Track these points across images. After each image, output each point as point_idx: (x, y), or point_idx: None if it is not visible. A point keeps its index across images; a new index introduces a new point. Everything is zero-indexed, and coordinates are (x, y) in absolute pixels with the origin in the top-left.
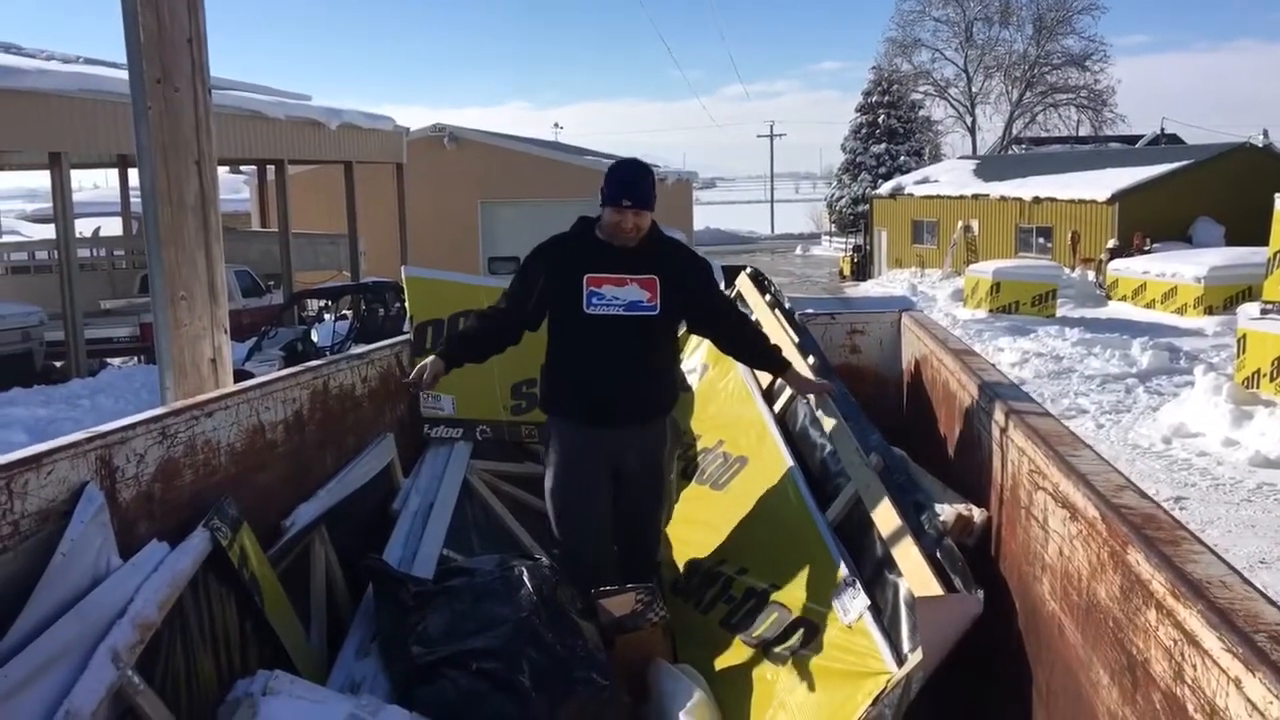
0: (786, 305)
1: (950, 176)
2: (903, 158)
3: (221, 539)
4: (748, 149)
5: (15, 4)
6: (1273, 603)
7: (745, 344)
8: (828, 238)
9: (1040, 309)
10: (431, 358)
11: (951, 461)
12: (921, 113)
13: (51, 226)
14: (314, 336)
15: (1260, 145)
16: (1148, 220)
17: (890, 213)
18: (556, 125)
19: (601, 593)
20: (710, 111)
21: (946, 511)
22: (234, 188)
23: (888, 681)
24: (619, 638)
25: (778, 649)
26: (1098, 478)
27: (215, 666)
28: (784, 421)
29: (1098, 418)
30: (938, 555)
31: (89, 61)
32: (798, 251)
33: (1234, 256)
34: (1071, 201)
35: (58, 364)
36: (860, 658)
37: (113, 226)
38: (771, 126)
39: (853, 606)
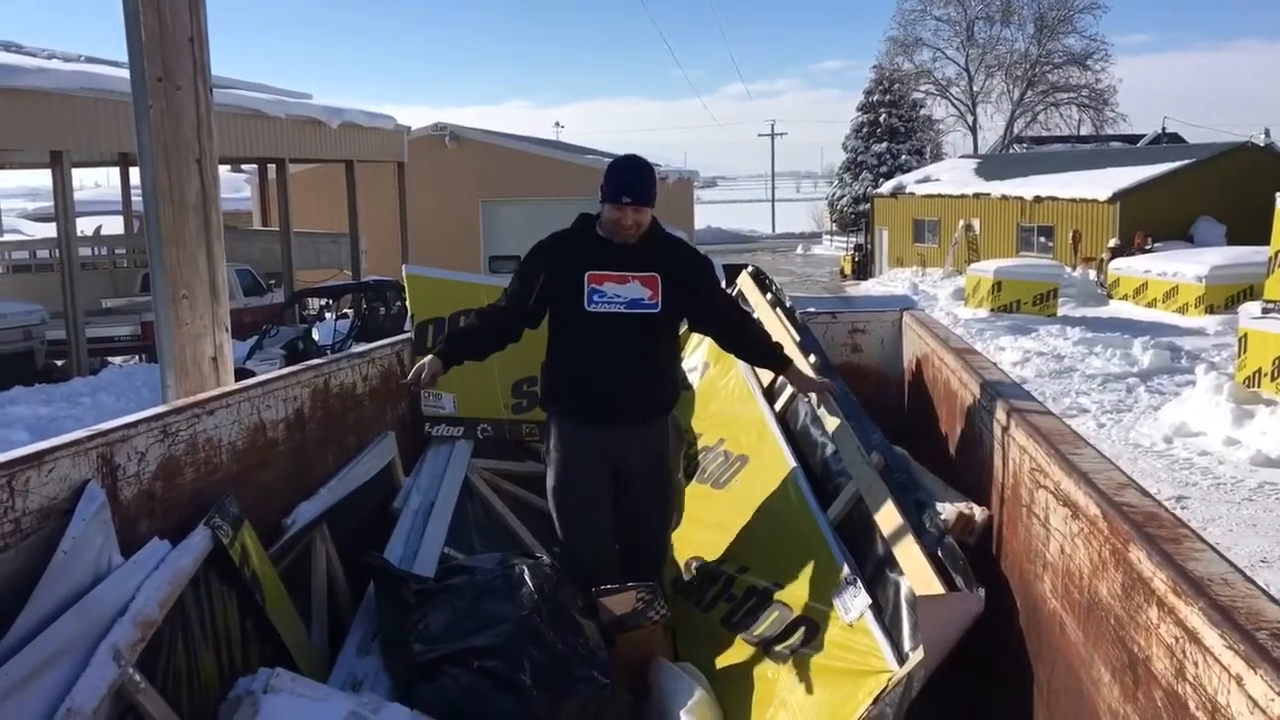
0: (788, 304)
1: (951, 175)
2: (904, 157)
3: (223, 537)
4: (749, 148)
5: (17, 3)
6: (1274, 600)
7: (747, 342)
8: (829, 237)
9: (1041, 308)
10: (430, 357)
11: (953, 460)
12: (923, 112)
13: (53, 225)
14: (315, 335)
15: (1261, 144)
16: (1149, 219)
17: (891, 212)
18: (558, 124)
19: (602, 591)
20: (711, 110)
21: (948, 510)
22: (235, 186)
23: (889, 680)
24: (620, 636)
25: (779, 647)
26: (1099, 476)
27: (216, 664)
28: (785, 420)
29: (1099, 417)
30: (939, 554)
31: (90, 60)
32: (799, 251)
33: (1235, 256)
34: (1073, 201)
35: (59, 362)
36: (861, 656)
37: (114, 225)
38: (773, 125)
39: (854, 605)
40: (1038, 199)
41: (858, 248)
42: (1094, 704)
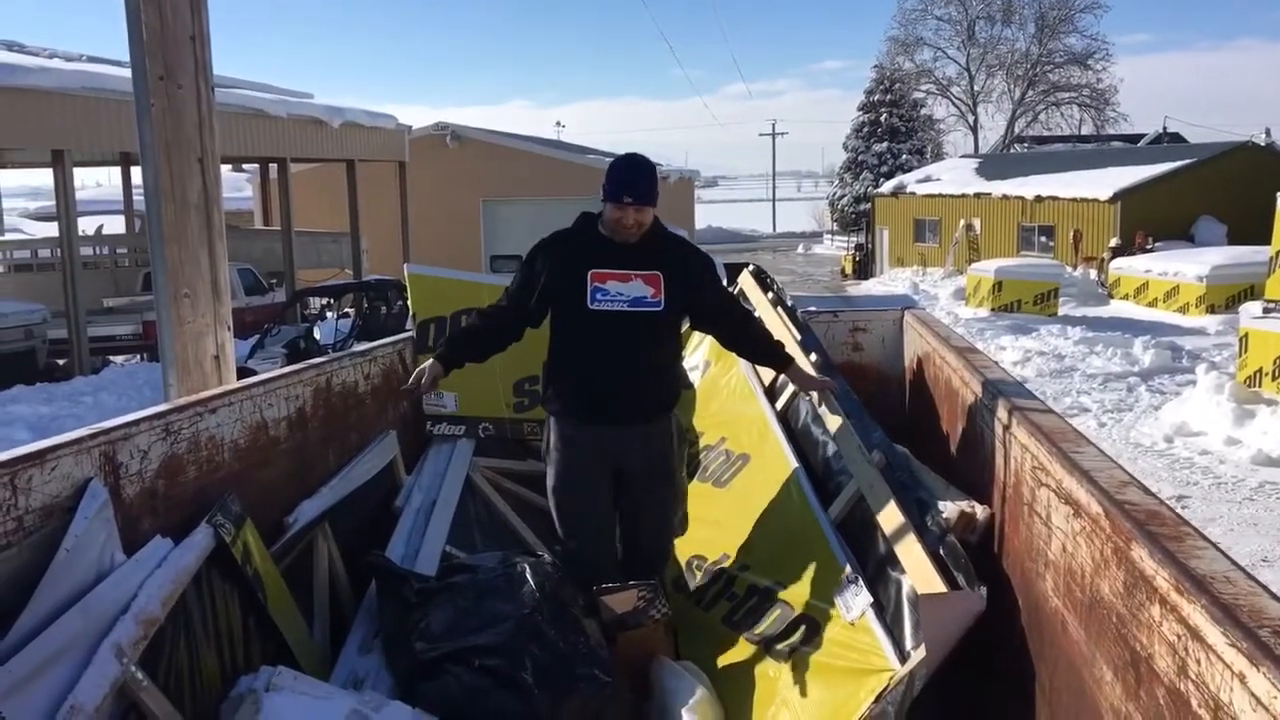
0: (789, 303)
1: (952, 175)
2: (905, 156)
3: (225, 535)
4: (750, 148)
5: (18, 2)
6: (1276, 598)
7: (748, 340)
8: (829, 236)
9: (1042, 308)
10: (430, 361)
11: (954, 459)
12: (923, 111)
13: (54, 224)
14: (316, 334)
15: (1262, 144)
16: (1150, 219)
17: (892, 211)
18: (559, 124)
19: (603, 590)
20: (712, 110)
21: (949, 508)
22: (237, 186)
23: (890, 679)
24: (621, 635)
25: (780, 646)
26: (1101, 474)
27: (218, 662)
28: (786, 419)
29: (1100, 416)
30: (940, 552)
31: (92, 59)
32: (799, 250)
33: (1236, 255)
34: (1074, 200)
35: (60, 362)
36: (863, 655)
37: (115, 224)
38: (773, 125)
39: (855, 604)
40: (1038, 199)
41: (858, 247)
42: (1096, 702)
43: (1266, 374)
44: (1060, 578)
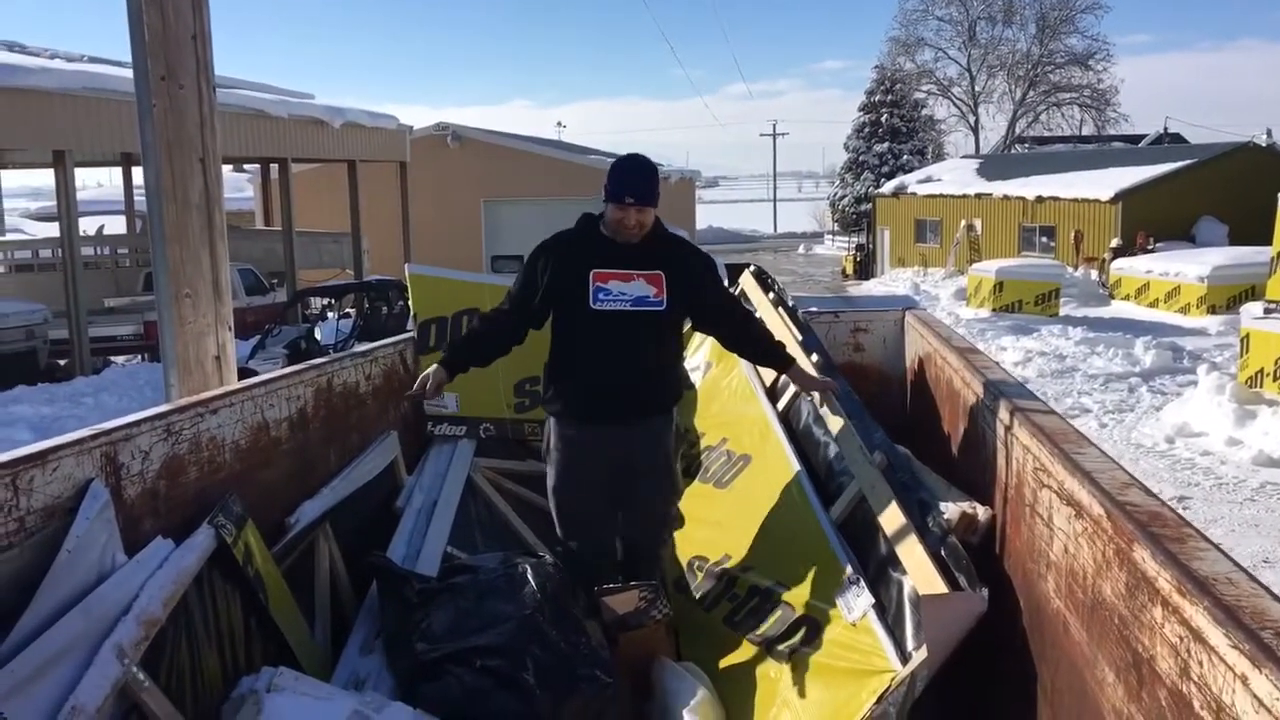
0: (790, 303)
1: (953, 175)
2: (905, 157)
3: (226, 536)
4: (750, 148)
5: (19, 2)
6: (1279, 599)
7: (749, 341)
8: (830, 237)
9: (1043, 308)
10: (434, 367)
11: (955, 459)
12: (924, 112)
13: (55, 224)
14: (317, 334)
15: (1263, 144)
16: (1151, 219)
17: (893, 212)
18: (559, 124)
19: (605, 590)
20: (713, 110)
21: (951, 509)
22: (238, 186)
23: (892, 680)
24: (622, 635)
25: (781, 647)
26: (1103, 475)
27: (220, 663)
28: (787, 420)
29: (1101, 417)
30: (942, 553)
31: (93, 60)
32: (800, 250)
33: (1237, 256)
34: (1075, 201)
35: (62, 362)
36: (865, 656)
37: (116, 224)
38: (774, 125)
39: (857, 604)
40: (1039, 199)
41: (859, 248)
42: (1098, 704)
43: (1268, 374)
44: (1062, 579)
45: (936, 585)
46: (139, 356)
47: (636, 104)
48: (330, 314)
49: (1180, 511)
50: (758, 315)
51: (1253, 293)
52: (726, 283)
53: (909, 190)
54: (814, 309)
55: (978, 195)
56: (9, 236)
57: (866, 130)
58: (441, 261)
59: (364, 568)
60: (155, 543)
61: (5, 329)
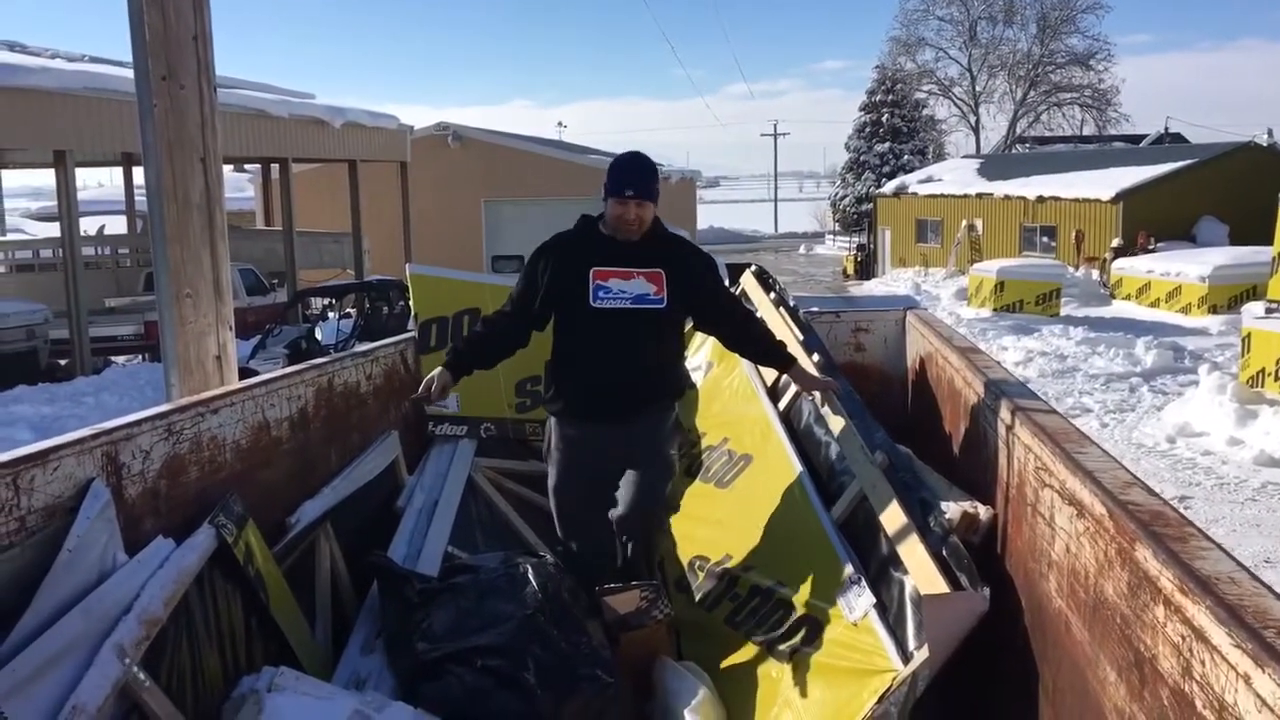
0: (791, 303)
1: (954, 175)
2: (906, 157)
3: (227, 535)
4: (751, 148)
5: (19, 2)
6: None
7: (750, 340)
8: (831, 237)
9: (1044, 308)
10: (438, 369)
11: (957, 459)
12: (925, 112)
13: (56, 224)
14: (318, 334)
15: (1264, 144)
16: (1152, 219)
17: (894, 212)
18: (560, 124)
19: (606, 590)
20: (714, 110)
21: (952, 509)
22: (238, 186)
23: (893, 679)
24: (624, 635)
25: (782, 647)
26: (1104, 474)
27: (220, 663)
28: (789, 419)
29: (1102, 417)
30: (943, 553)
31: (94, 60)
32: (801, 250)
33: (1238, 256)
34: (1076, 201)
35: (62, 362)
36: (866, 655)
37: (117, 224)
38: (775, 125)
39: (858, 604)
40: (1040, 199)
41: (860, 248)
42: (1100, 703)
43: (1269, 374)
44: (1064, 578)
45: (938, 585)
46: (140, 356)
47: (637, 104)
48: (331, 314)
49: (1182, 511)
50: (759, 315)
51: (1254, 292)
52: (727, 282)
53: (910, 190)
54: (815, 309)
55: (979, 195)
56: (10, 236)
57: (867, 130)
58: (442, 261)
59: (365, 567)
60: (156, 542)
61: (6, 329)
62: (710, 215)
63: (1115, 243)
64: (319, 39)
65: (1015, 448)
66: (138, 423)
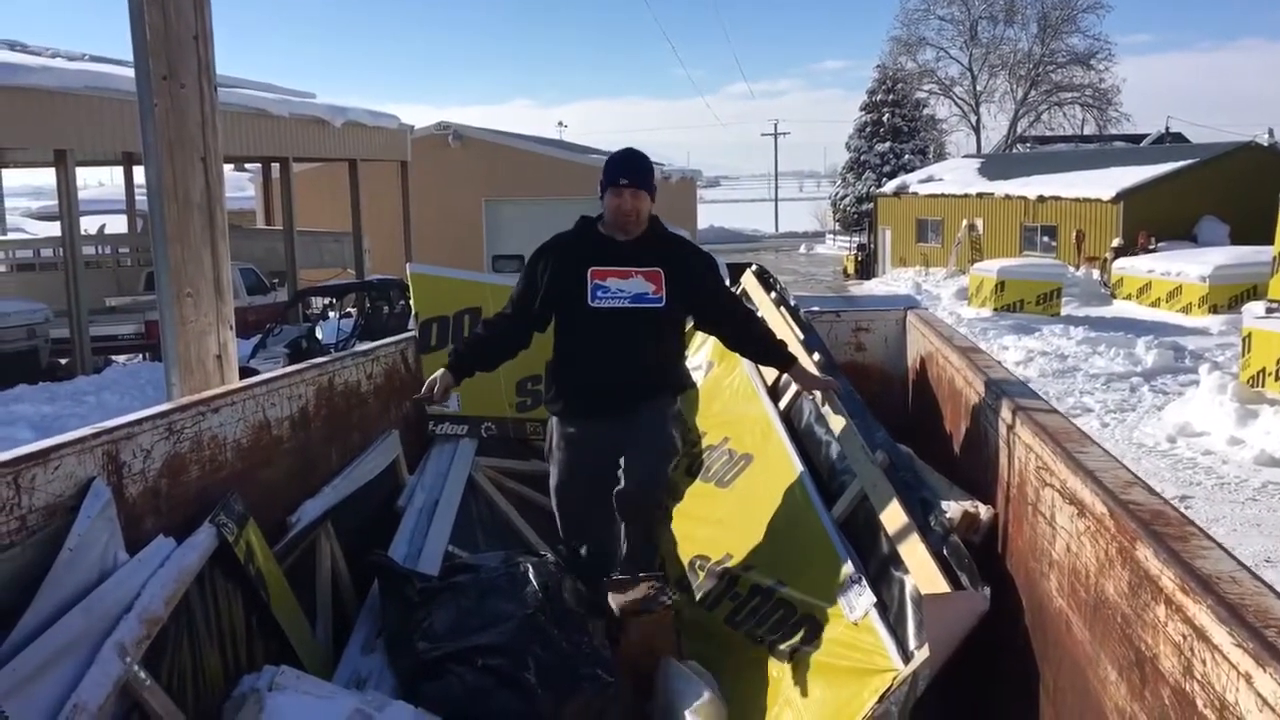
0: (792, 303)
1: (955, 175)
2: (907, 156)
3: (228, 535)
4: (752, 147)
5: (20, 2)
6: None
7: (751, 340)
8: (832, 236)
9: (1045, 308)
10: (440, 371)
11: (957, 458)
12: (926, 111)
13: (56, 224)
14: (318, 334)
15: (1265, 144)
16: (1152, 219)
17: (894, 211)
18: (561, 123)
19: (612, 581)
20: (714, 110)
21: (953, 508)
22: (239, 185)
23: (894, 679)
24: (629, 621)
25: (783, 646)
26: (1105, 474)
27: (221, 662)
28: (789, 419)
29: (1102, 416)
30: (944, 552)
31: (95, 59)
32: (802, 250)
33: (1239, 255)
34: (1076, 200)
35: (63, 361)
36: (866, 655)
37: (118, 224)
38: (775, 125)
39: (859, 604)
40: (1041, 199)
41: (861, 247)
42: (1100, 702)
43: (1269, 374)
44: (1064, 578)
45: (938, 584)
46: (140, 356)
47: (638, 104)
48: (331, 313)
49: (1183, 511)
50: (759, 314)
51: (1254, 292)
52: (728, 282)
53: (910, 190)
54: (816, 308)
55: (979, 195)
56: (10, 236)
57: (868, 130)
58: (443, 261)
59: (365, 567)
60: (157, 541)
61: (7, 328)
62: (711, 215)
63: (1116, 242)
64: (319, 39)
65: (1016, 447)
66: (138, 422)
